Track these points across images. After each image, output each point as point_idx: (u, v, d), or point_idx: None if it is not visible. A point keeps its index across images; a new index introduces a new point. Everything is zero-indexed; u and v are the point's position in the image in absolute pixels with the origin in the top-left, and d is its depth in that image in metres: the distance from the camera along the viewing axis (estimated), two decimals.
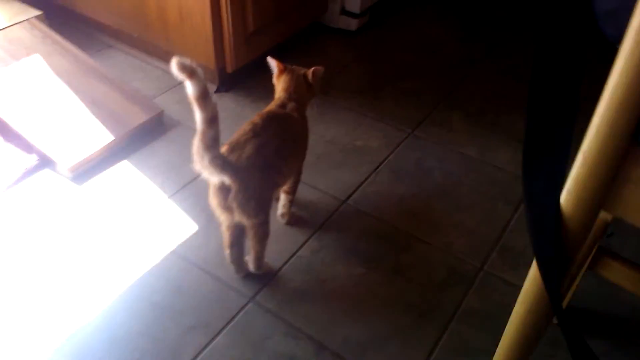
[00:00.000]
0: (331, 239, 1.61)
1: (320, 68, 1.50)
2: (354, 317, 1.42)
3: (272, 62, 1.50)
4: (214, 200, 1.33)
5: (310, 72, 1.49)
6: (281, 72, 1.50)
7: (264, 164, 1.32)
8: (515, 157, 1.93)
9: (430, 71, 2.36)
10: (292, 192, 1.59)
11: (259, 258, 1.46)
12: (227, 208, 1.31)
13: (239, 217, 1.32)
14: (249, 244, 1.44)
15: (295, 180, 1.57)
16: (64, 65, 2.06)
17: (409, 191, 1.78)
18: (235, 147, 1.31)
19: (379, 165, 1.87)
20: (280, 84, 1.50)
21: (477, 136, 2.01)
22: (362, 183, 1.80)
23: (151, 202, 1.71)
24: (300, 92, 1.49)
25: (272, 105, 1.48)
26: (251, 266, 1.48)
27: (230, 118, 2.05)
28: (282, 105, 1.47)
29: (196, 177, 1.79)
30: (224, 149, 1.31)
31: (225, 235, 1.42)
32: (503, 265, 1.54)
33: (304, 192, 1.74)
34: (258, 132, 1.34)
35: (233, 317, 1.40)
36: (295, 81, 1.49)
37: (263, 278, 1.50)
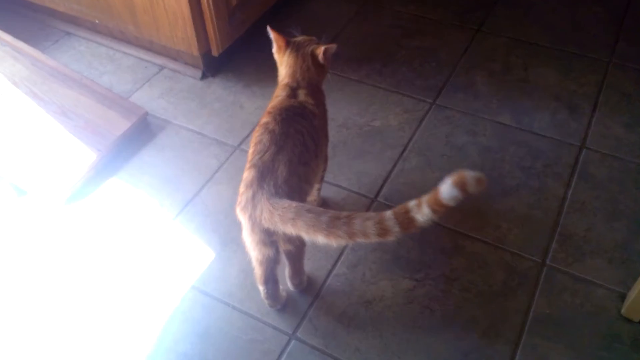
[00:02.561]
0: (368, 248, 1.41)
1: (332, 46, 1.24)
2: (412, 345, 1.24)
3: (272, 35, 1.26)
4: (252, 238, 1.12)
5: (320, 51, 1.23)
6: (284, 47, 1.25)
7: (297, 180, 1.12)
8: (554, 119, 1.71)
9: (439, 23, 2.07)
10: (320, 181, 1.42)
11: (302, 273, 1.32)
12: (271, 243, 1.13)
13: (285, 246, 1.15)
14: (285, 267, 1.28)
15: (323, 169, 1.38)
16: (20, 71, 1.75)
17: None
18: (264, 170, 1.09)
19: (405, 149, 1.64)
20: (284, 65, 1.26)
21: (507, 98, 1.77)
22: (389, 174, 1.58)
23: (155, 228, 1.48)
24: (309, 75, 1.25)
25: (280, 96, 1.22)
26: (294, 284, 1.33)
27: (222, 109, 1.78)
28: (293, 94, 1.22)
29: (199, 191, 1.56)
30: (250, 174, 1.09)
31: (259, 271, 1.22)
32: (567, 257, 1.36)
33: (328, 192, 1.52)
34: (279, 141, 1.12)
35: None
36: (302, 63, 1.24)
37: (300, 308, 1.31)
